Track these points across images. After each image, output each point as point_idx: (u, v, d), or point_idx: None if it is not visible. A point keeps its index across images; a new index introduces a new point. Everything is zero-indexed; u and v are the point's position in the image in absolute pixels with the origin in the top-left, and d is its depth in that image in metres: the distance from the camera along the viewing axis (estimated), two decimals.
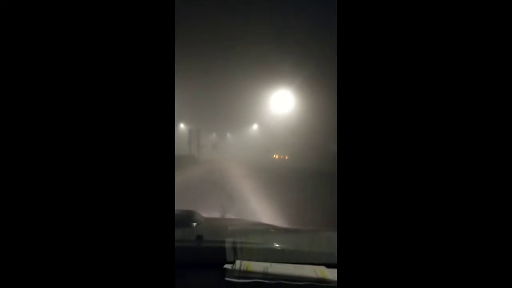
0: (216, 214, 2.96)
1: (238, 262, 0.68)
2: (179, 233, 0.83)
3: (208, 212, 1.30)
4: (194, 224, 1.02)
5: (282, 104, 23.58)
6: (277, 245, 0.85)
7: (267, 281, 0.62)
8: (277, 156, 25.22)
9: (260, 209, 4.32)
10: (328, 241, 0.83)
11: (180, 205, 0.94)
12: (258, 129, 35.71)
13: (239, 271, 0.66)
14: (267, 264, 0.67)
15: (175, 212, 0.82)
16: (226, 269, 0.67)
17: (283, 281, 0.62)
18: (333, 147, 2.26)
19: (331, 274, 0.63)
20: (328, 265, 0.67)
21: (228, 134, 46.29)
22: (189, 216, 1.07)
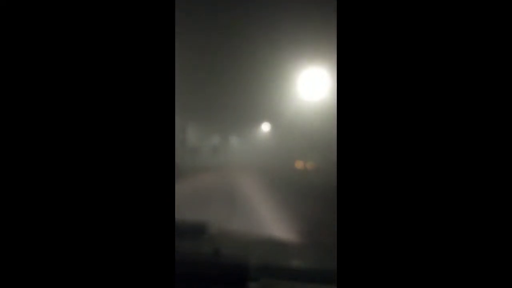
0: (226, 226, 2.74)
1: (263, 280, 0.69)
2: (193, 245, 0.90)
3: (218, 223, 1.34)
4: (208, 236, 1.06)
5: (304, 95, 18.76)
6: (300, 263, 0.91)
7: None
8: (300, 165, 17.15)
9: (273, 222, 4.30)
10: None
11: (186, 215, 1.01)
12: (272, 128, 27.89)
13: None
14: (293, 284, 0.70)
15: (187, 223, 0.95)
16: None
17: None
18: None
19: None
20: None
21: (233, 135, 38.54)
22: (202, 228, 1.09)
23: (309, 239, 3.54)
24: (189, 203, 6.06)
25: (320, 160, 17.60)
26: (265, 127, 32.35)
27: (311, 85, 17.36)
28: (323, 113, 15.78)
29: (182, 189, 8.46)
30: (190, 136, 22.87)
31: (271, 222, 4.51)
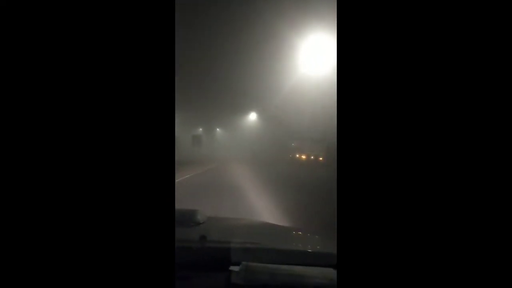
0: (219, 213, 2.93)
1: (244, 264, 0.70)
2: (181, 233, 0.92)
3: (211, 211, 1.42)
4: (197, 223, 1.09)
5: (298, 78, 16.04)
6: (284, 246, 0.92)
7: (274, 284, 0.67)
8: (303, 156, 16.77)
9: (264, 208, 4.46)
10: None
11: (181, 204, 0.98)
12: (264, 115, 24.74)
13: (245, 273, 0.68)
14: (274, 266, 0.70)
15: (177, 211, 0.96)
16: (231, 271, 0.71)
17: (291, 284, 0.67)
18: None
19: None
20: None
21: (218, 124, 34.84)
22: (191, 216, 1.11)
23: (301, 227, 3.53)
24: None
25: (325, 151, 14.93)
26: (252, 116, 28.94)
27: (306, 65, 14.68)
28: (320, 98, 13.79)
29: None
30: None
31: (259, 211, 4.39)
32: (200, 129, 33.23)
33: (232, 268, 0.69)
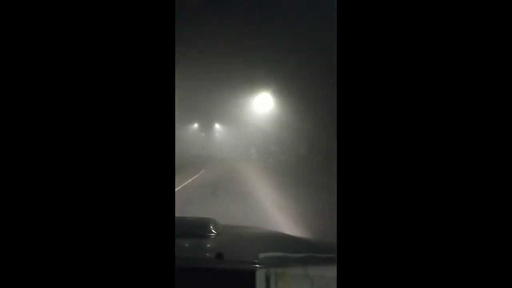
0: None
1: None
2: (195, 246, 0.91)
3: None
4: (211, 234, 1.10)
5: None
6: (314, 269, 0.80)
7: None
8: None
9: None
10: None
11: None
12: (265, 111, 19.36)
13: None
14: None
15: (189, 220, 0.98)
16: None
17: None
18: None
19: None
20: None
21: (217, 122, 28.97)
22: (205, 225, 1.14)
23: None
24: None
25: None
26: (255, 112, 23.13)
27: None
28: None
29: None
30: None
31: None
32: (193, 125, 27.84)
33: None
